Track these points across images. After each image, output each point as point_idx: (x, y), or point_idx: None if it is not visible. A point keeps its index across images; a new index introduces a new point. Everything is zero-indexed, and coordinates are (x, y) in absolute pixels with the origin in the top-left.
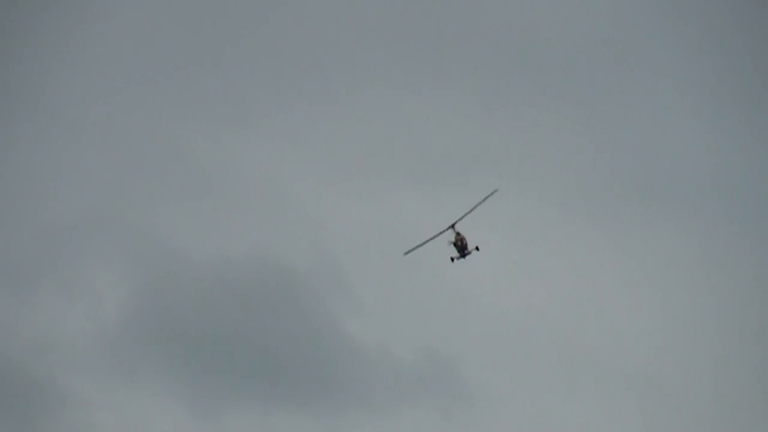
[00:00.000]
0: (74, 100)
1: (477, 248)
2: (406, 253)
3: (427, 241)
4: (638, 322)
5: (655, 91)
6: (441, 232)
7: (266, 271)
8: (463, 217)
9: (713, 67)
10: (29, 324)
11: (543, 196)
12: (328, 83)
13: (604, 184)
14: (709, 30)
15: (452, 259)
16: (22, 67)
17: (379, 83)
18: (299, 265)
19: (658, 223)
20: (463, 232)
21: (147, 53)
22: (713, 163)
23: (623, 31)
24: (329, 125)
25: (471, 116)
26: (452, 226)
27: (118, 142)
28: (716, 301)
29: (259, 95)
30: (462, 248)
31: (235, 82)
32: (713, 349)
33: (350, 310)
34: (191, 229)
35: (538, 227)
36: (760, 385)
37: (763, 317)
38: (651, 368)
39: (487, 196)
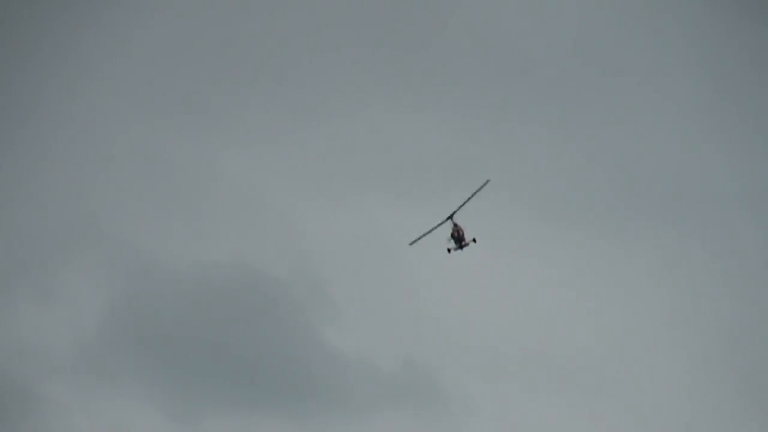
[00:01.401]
0: (55, 110)
1: (474, 240)
2: (411, 243)
3: (429, 231)
4: (618, 332)
5: (643, 100)
6: (440, 223)
7: (246, 279)
8: (459, 208)
9: (703, 75)
10: (9, 331)
11: (524, 206)
12: (309, 94)
13: (588, 195)
14: (704, 38)
15: (449, 250)
16: (3, 77)
17: (359, 93)
18: (279, 273)
19: (643, 233)
20: (460, 224)
21: (129, 65)
22: (700, 173)
23: (611, 42)
24: (308, 135)
25: (452, 126)
26: (450, 218)
27: (98, 152)
28: (697, 309)
29: (239, 106)
30: (459, 239)
31: (216, 93)
32: (692, 359)
33: (329, 318)
34: (171, 238)
35: (518, 237)
36: (738, 393)
37: (742, 327)
38: (629, 378)
39: (480, 187)
